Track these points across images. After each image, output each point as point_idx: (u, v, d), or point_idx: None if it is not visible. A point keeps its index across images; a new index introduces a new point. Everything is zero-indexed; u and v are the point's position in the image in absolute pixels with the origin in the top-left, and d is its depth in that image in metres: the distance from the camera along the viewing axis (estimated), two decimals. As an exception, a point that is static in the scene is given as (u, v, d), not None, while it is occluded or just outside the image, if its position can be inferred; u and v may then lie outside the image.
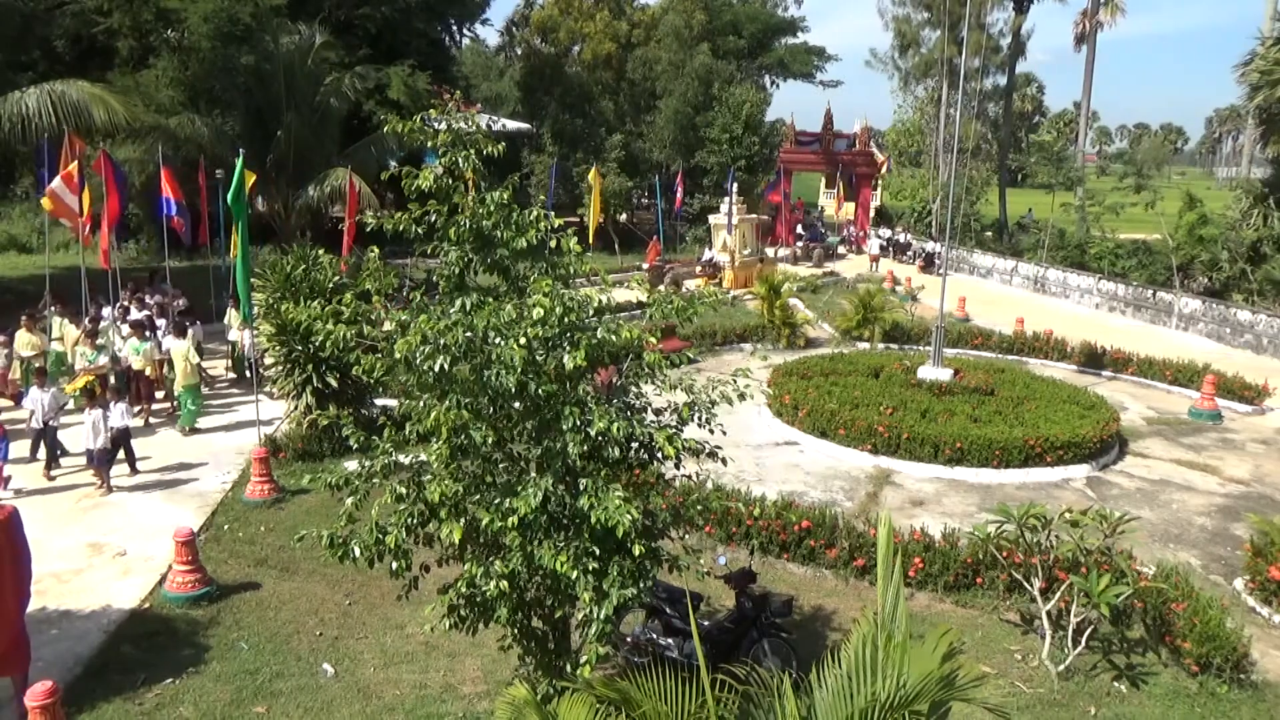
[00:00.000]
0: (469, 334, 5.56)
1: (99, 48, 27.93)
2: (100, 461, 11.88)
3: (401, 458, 6.15)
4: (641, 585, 5.67)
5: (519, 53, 48.64)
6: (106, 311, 16.77)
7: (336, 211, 28.75)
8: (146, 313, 17.60)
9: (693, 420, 6.28)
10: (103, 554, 10.30)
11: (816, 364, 17.44)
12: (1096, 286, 29.65)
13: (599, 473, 5.80)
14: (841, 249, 39.76)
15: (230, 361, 17.90)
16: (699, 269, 30.28)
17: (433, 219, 6.17)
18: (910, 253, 38.01)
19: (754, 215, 32.69)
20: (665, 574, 6.53)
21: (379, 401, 14.25)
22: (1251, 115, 30.88)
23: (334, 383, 13.26)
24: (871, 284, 25.89)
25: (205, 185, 20.57)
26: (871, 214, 45.22)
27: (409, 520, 5.88)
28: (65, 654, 8.16)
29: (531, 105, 41.11)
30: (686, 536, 7.20)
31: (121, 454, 12.44)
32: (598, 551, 5.57)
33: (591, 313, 5.90)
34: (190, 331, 15.60)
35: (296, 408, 13.89)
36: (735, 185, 30.49)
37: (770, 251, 35.18)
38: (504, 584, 5.59)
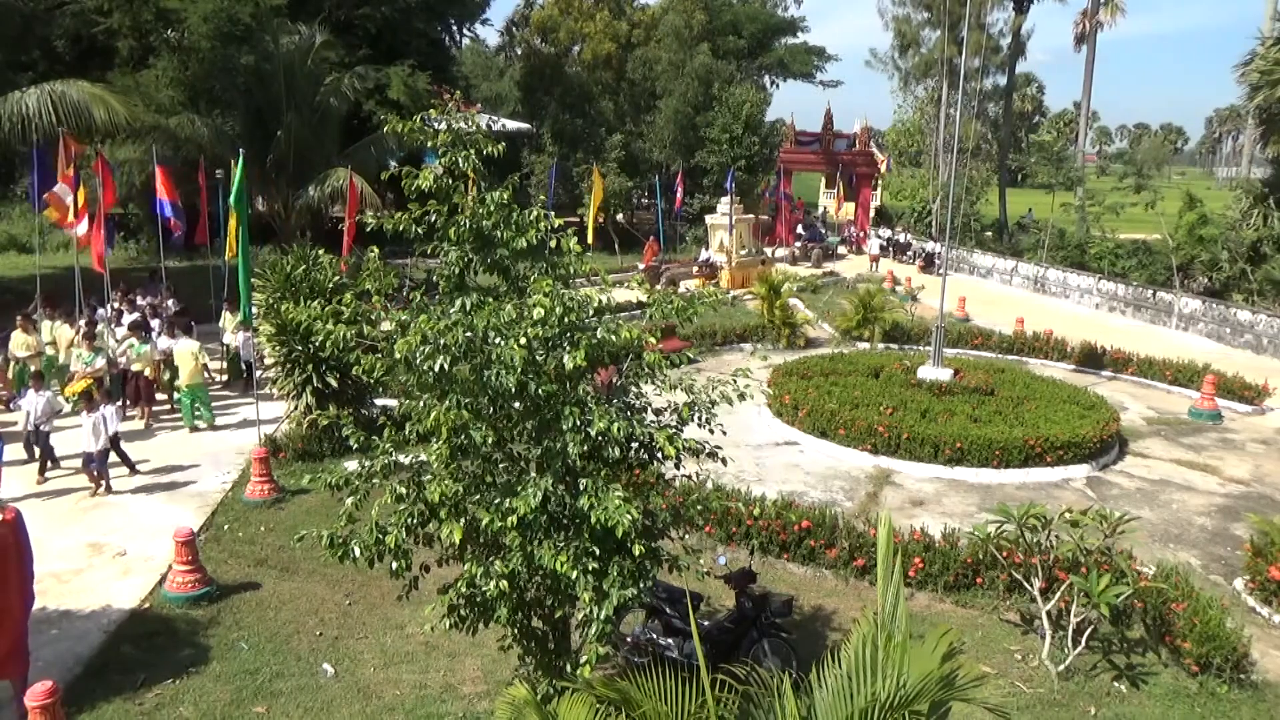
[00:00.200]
0: (469, 334, 5.56)
1: (99, 48, 27.93)
2: (99, 464, 11.81)
3: (401, 458, 6.15)
4: (641, 585, 5.67)
5: (519, 53, 48.64)
6: (100, 313, 16.74)
7: (336, 211, 28.75)
8: (137, 314, 17.56)
9: (693, 420, 6.28)
10: (103, 554, 10.30)
11: (816, 364, 17.44)
12: (1096, 286, 29.65)
13: (599, 473, 5.80)
14: (842, 249, 39.76)
15: (224, 364, 17.80)
16: (696, 269, 30.27)
17: (433, 219, 6.17)
18: (910, 253, 38.02)
19: (751, 215, 32.68)
20: (665, 574, 6.53)
21: (379, 401, 14.26)
22: (1251, 115, 30.88)
23: (334, 383, 13.26)
24: (871, 284, 25.90)
25: (205, 185, 20.56)
26: (871, 214, 45.23)
27: (409, 520, 5.88)
28: (65, 654, 8.16)
29: (531, 105, 41.12)
30: (686, 536, 7.20)
31: (113, 456, 12.36)
32: (598, 551, 5.57)
33: (591, 313, 5.90)
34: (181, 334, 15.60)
35: (296, 408, 13.89)
36: (733, 185, 30.46)
37: (769, 251, 35.20)
38: (504, 584, 5.59)
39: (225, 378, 17.59)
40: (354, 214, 19.52)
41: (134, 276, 24.01)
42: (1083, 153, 43.96)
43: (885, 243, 39.06)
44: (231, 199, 14.48)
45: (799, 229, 39.60)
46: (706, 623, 8.10)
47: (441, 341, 5.52)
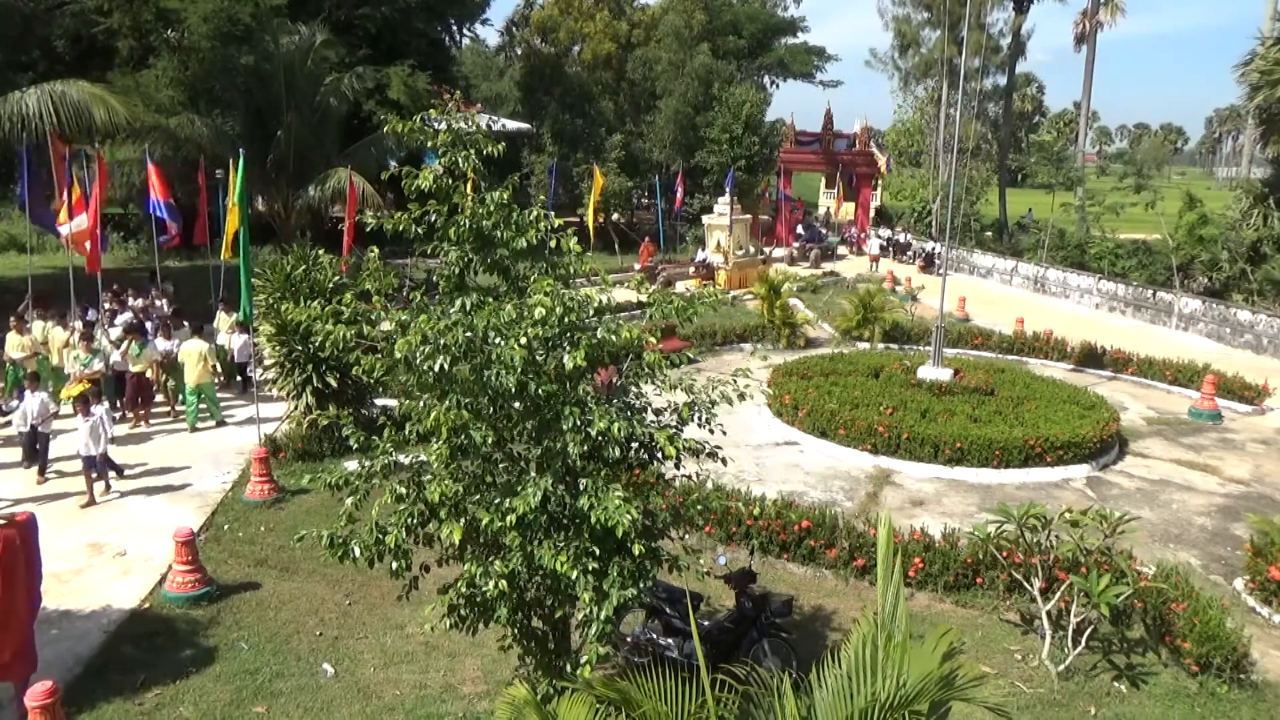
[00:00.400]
0: (469, 334, 5.56)
1: (99, 48, 27.93)
2: (100, 468, 11.73)
3: (401, 458, 6.15)
4: (641, 585, 5.67)
5: (519, 53, 48.64)
6: (90, 314, 16.64)
7: (336, 211, 28.74)
8: (129, 313, 17.48)
9: (693, 420, 6.28)
10: (103, 554, 10.30)
11: (816, 364, 17.44)
12: (1096, 286, 29.65)
13: (599, 473, 5.80)
14: (842, 249, 39.76)
15: (217, 365, 17.67)
16: (692, 270, 30.22)
17: (433, 219, 6.17)
18: (910, 253, 38.02)
19: (748, 215, 32.62)
20: (665, 574, 6.53)
21: (379, 401, 14.26)
22: (1251, 115, 30.88)
23: (334, 383, 13.26)
24: (871, 284, 25.88)
25: (205, 185, 20.55)
26: (871, 214, 45.23)
27: (409, 520, 5.89)
28: (65, 654, 8.16)
29: (531, 105, 41.12)
30: (686, 536, 7.21)
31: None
32: (598, 551, 5.57)
33: (591, 313, 5.90)
34: (180, 334, 15.57)
35: (296, 408, 13.89)
36: (730, 186, 30.44)
37: (768, 251, 35.19)
38: (504, 584, 5.59)
39: (221, 379, 17.57)
40: (354, 214, 19.51)
41: (133, 276, 24.00)
42: (1083, 153, 43.96)
43: (885, 243, 39.05)
44: (234, 198, 14.45)
45: (798, 229, 39.61)
46: (706, 623, 8.10)
47: (441, 341, 5.52)
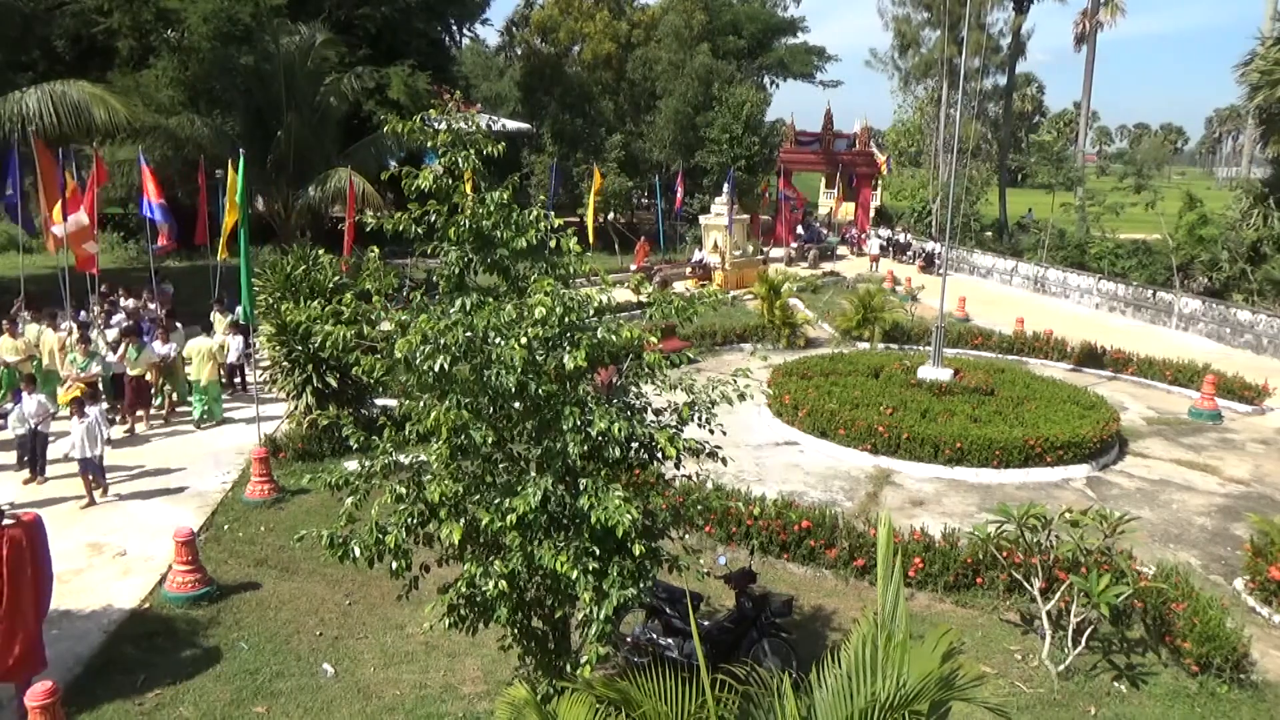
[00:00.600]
0: (469, 334, 5.56)
1: (99, 48, 27.96)
2: (98, 470, 11.66)
3: (401, 458, 6.15)
4: (641, 585, 5.67)
5: (519, 53, 48.66)
6: (84, 315, 16.54)
7: (336, 211, 28.75)
8: (120, 314, 17.37)
9: (693, 420, 6.28)
10: (103, 554, 10.30)
11: (816, 364, 17.43)
12: (1096, 286, 29.65)
13: (599, 473, 5.80)
14: (842, 249, 39.75)
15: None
16: (689, 270, 30.17)
17: (433, 219, 6.16)
18: (910, 253, 38.03)
19: (745, 216, 32.60)
20: (665, 574, 6.53)
21: (379, 401, 14.25)
22: (1251, 115, 30.88)
23: (334, 383, 13.26)
24: (871, 284, 25.89)
25: (205, 185, 20.53)
26: (871, 214, 45.23)
27: (409, 520, 5.89)
28: (65, 654, 8.15)
29: (531, 105, 41.13)
30: (686, 536, 7.21)
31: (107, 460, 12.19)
32: (598, 551, 5.57)
33: (591, 313, 5.90)
34: (175, 336, 15.52)
35: (296, 408, 13.89)
36: (727, 186, 30.42)
37: (767, 251, 35.17)
38: (504, 584, 5.59)
39: (225, 378, 17.56)
40: (354, 214, 19.48)
41: (132, 276, 23.99)
42: (1083, 153, 43.98)
43: (885, 243, 39.06)
44: (235, 198, 14.42)
45: (798, 229, 39.61)
46: (706, 623, 8.10)
47: (441, 341, 5.52)
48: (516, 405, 5.86)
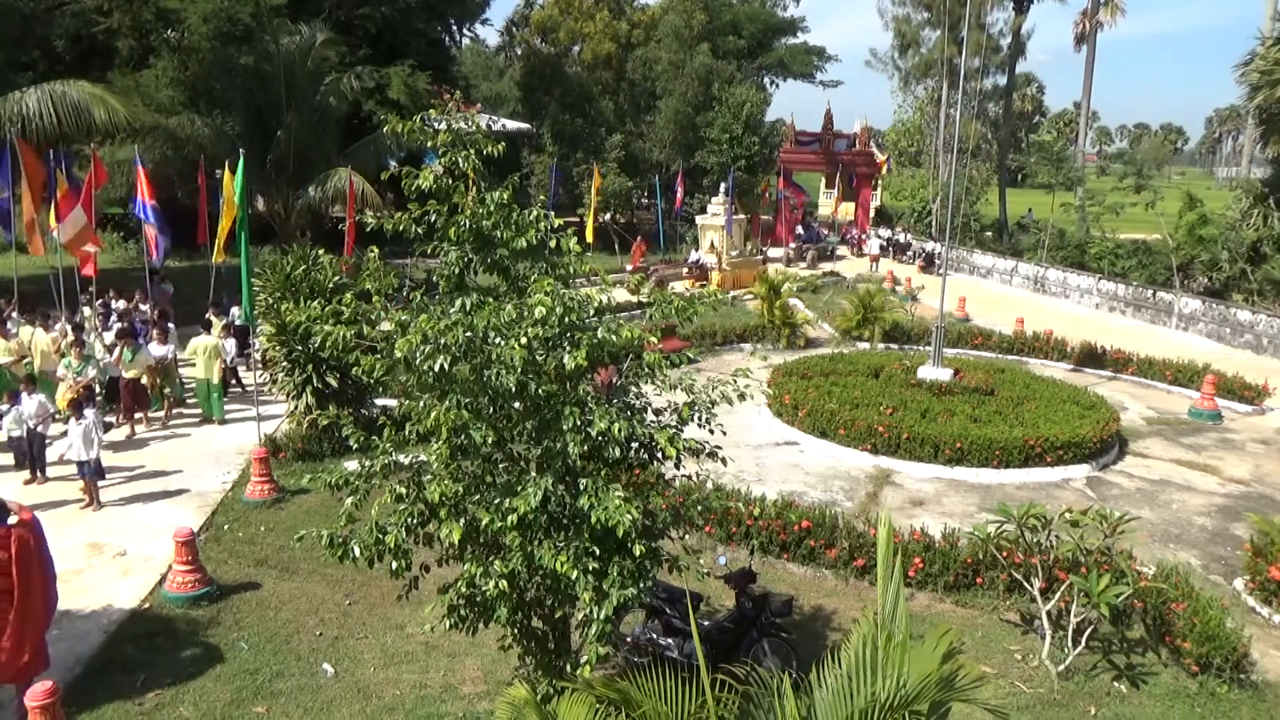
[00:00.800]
0: (469, 334, 5.56)
1: (99, 48, 27.96)
2: (95, 473, 11.57)
3: (401, 458, 6.14)
4: (641, 585, 5.67)
5: (519, 53, 48.66)
6: (77, 317, 16.47)
7: (337, 211, 28.74)
8: (114, 315, 17.30)
9: (693, 420, 6.28)
10: (103, 554, 10.30)
11: (816, 364, 17.43)
12: (1096, 286, 29.65)
13: (599, 473, 5.80)
14: (842, 249, 39.75)
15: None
16: (685, 271, 30.13)
17: (433, 219, 6.16)
18: (910, 253, 38.03)
19: (742, 216, 32.61)
20: (665, 574, 6.53)
21: (379, 401, 14.25)
22: (1251, 115, 30.88)
23: (334, 383, 13.26)
24: (871, 284, 25.90)
25: (205, 185, 20.51)
26: (871, 214, 45.23)
27: (409, 520, 5.88)
28: (65, 654, 8.15)
29: (531, 105, 41.13)
30: (686, 536, 7.20)
31: (106, 462, 12.12)
32: (598, 551, 5.57)
33: (592, 313, 5.90)
34: (170, 337, 15.49)
35: (296, 408, 13.89)
36: (724, 185, 30.39)
37: (765, 251, 35.17)
38: (504, 584, 5.59)
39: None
40: (354, 214, 19.45)
41: (132, 276, 23.97)
42: (1083, 153, 43.96)
43: (885, 243, 39.06)
44: (234, 198, 14.40)
45: (798, 229, 39.61)
46: (706, 623, 8.10)
47: (442, 341, 5.52)
48: (516, 405, 5.86)
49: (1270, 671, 8.61)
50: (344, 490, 6.09)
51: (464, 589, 5.79)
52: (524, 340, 5.36)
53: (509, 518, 5.42)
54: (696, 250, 31.35)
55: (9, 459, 12.64)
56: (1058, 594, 8.67)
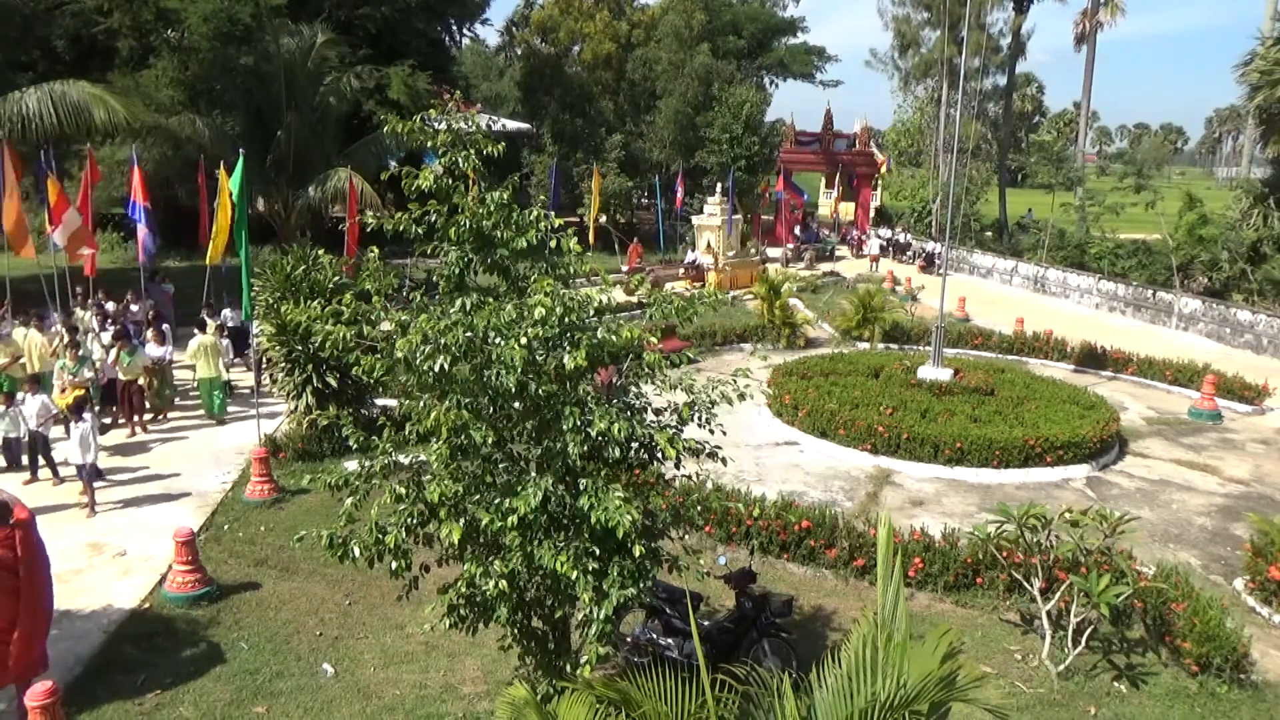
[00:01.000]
0: (469, 334, 5.56)
1: (99, 48, 27.96)
2: (91, 476, 11.50)
3: (401, 458, 6.14)
4: (641, 585, 5.67)
5: (519, 53, 48.63)
6: (72, 320, 16.40)
7: (337, 211, 28.74)
8: (107, 317, 17.26)
9: (693, 420, 6.28)
10: (103, 554, 10.30)
11: (816, 364, 17.43)
12: (1096, 286, 29.66)
13: (599, 473, 5.80)
14: (842, 249, 39.74)
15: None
16: (682, 271, 30.11)
17: (433, 219, 6.16)
18: (910, 253, 38.04)
19: (738, 216, 32.60)
20: (665, 574, 6.53)
21: (379, 401, 14.25)
22: (1251, 115, 30.86)
23: (334, 383, 13.25)
24: (871, 284, 25.90)
25: (205, 185, 20.52)
26: (871, 214, 45.23)
27: (409, 520, 5.88)
28: (65, 654, 8.15)
29: (531, 105, 41.13)
30: (686, 536, 7.21)
31: (104, 464, 12.08)
32: (598, 551, 5.57)
33: (592, 313, 5.90)
34: (165, 337, 15.46)
35: (296, 408, 13.88)
36: (720, 186, 30.34)
37: (764, 251, 35.15)
38: (504, 584, 5.59)
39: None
40: (355, 215, 19.42)
41: (132, 276, 23.95)
42: (1083, 153, 43.96)
43: (885, 243, 39.07)
44: (233, 198, 14.39)
45: (796, 229, 39.61)
46: (706, 623, 8.10)
47: (442, 341, 5.52)
48: (516, 405, 5.86)
49: (1270, 671, 8.61)
50: (344, 490, 6.09)
51: (464, 589, 5.79)
52: (524, 340, 5.36)
53: (509, 518, 5.42)
54: (693, 251, 31.34)
55: (2, 461, 12.61)
56: (1058, 594, 8.67)
